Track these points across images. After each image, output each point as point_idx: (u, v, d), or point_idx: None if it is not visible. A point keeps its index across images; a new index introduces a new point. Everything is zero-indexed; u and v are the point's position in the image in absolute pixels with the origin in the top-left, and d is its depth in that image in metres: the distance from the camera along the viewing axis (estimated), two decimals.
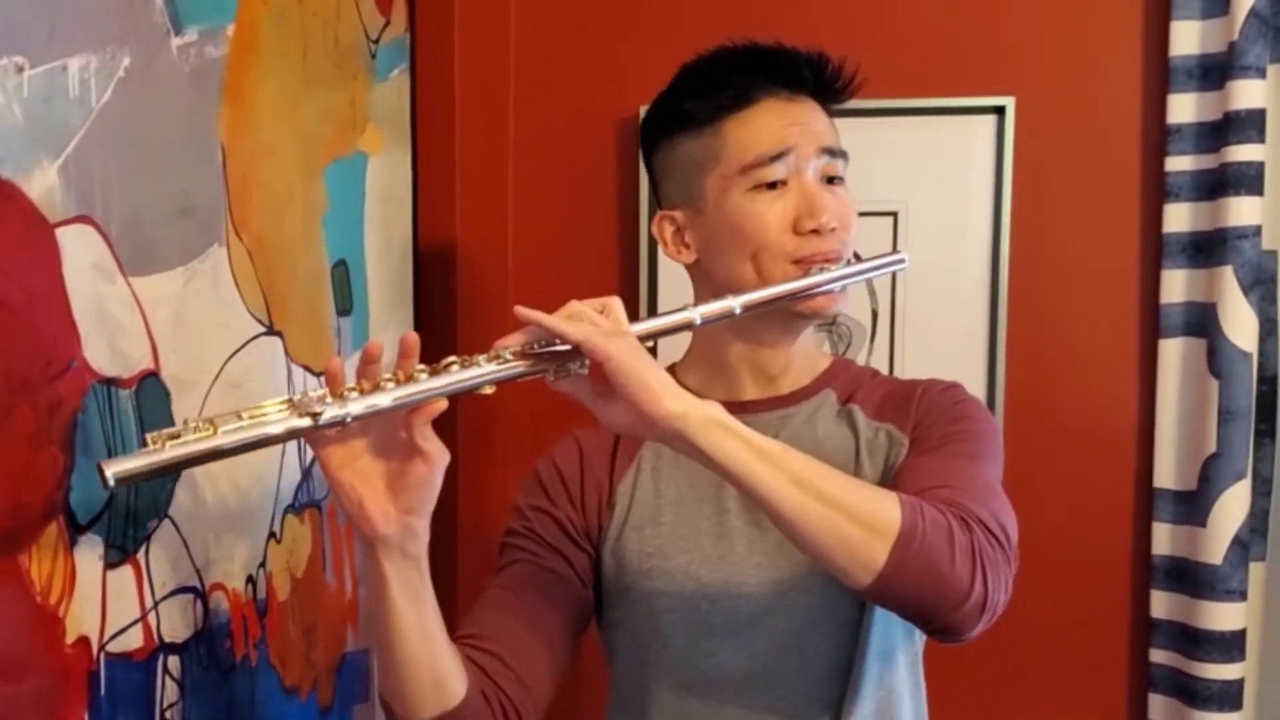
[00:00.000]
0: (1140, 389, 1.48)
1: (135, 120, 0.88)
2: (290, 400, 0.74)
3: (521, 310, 0.81)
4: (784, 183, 0.95)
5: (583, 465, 1.02)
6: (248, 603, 1.08)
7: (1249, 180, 1.36)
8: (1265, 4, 1.34)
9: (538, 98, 1.56)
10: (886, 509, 0.78)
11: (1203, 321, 1.41)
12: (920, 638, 1.01)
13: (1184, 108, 1.41)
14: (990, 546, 0.80)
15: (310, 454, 1.22)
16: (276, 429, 0.73)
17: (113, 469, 0.67)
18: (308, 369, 1.21)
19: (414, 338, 0.79)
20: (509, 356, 0.80)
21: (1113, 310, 1.48)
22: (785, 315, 0.96)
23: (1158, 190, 1.44)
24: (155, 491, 0.93)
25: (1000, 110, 1.44)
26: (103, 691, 0.86)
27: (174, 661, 0.95)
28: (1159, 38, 1.42)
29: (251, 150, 1.08)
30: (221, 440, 0.71)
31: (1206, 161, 1.40)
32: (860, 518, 0.77)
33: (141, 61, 0.89)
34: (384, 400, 0.76)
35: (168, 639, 0.94)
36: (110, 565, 0.86)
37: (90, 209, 0.83)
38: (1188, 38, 1.40)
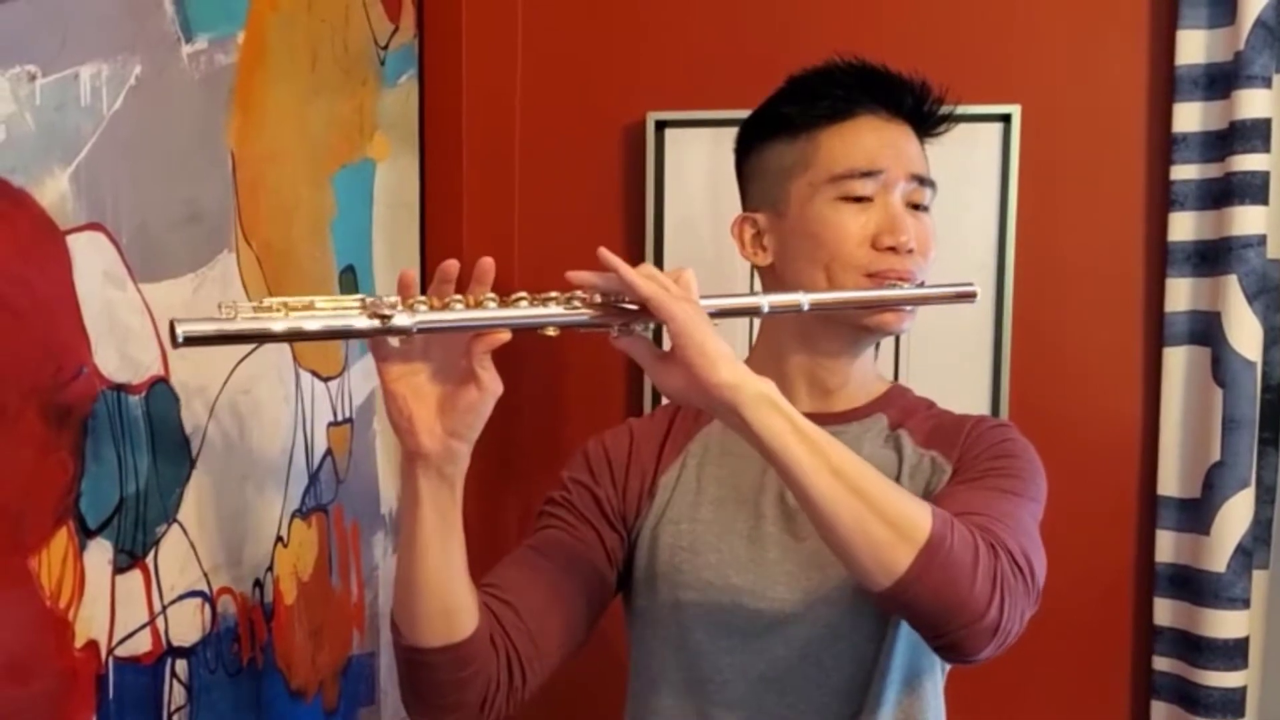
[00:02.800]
0: (1144, 397, 1.47)
1: (146, 128, 0.89)
2: (364, 299, 0.73)
3: (605, 253, 0.80)
4: (869, 199, 0.96)
5: (631, 451, 1.03)
6: (255, 606, 1.09)
7: (1254, 189, 1.35)
8: (1271, 14, 1.34)
9: (545, 104, 1.57)
10: (918, 515, 0.78)
11: (1207, 330, 1.41)
12: (944, 664, 1.01)
13: (1189, 117, 1.41)
14: (1013, 576, 0.80)
15: (318, 459, 1.23)
16: (347, 323, 0.73)
17: (184, 327, 0.67)
18: (315, 374, 1.21)
19: (489, 264, 0.78)
20: (578, 303, 0.80)
21: (1117, 318, 1.48)
22: (851, 328, 0.97)
23: (1163, 199, 1.43)
24: (164, 496, 0.93)
25: (1006, 118, 1.44)
26: (111, 695, 0.86)
27: (182, 665, 0.96)
28: (1165, 46, 1.42)
29: (261, 157, 1.08)
30: (291, 323, 0.71)
31: (1212, 170, 1.40)
32: (890, 519, 0.77)
33: (152, 70, 0.90)
34: (451, 318, 0.76)
35: (176, 643, 0.95)
36: (119, 569, 0.87)
37: (101, 216, 0.84)
38: (1194, 47, 1.40)
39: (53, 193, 0.78)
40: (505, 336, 0.78)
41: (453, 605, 0.84)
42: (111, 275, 0.85)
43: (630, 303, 0.80)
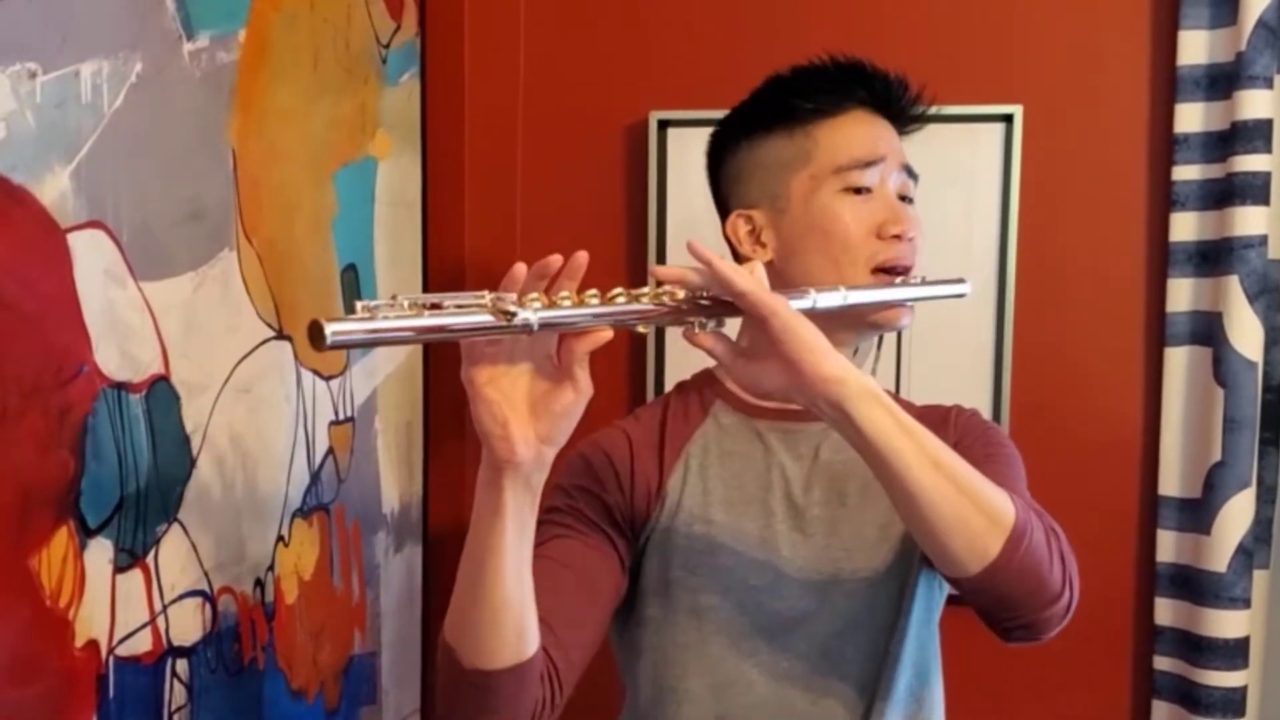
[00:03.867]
0: (1146, 397, 1.48)
1: (147, 126, 0.89)
2: (487, 296, 0.70)
3: (695, 246, 0.78)
4: (870, 190, 0.98)
5: (632, 454, 1.01)
6: (256, 606, 1.09)
7: (1255, 190, 1.35)
8: (1273, 14, 1.34)
9: (547, 103, 1.57)
10: (1005, 503, 0.80)
11: (1208, 330, 1.41)
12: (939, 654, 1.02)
13: (1191, 117, 1.41)
14: (1072, 555, 0.84)
15: (319, 458, 1.23)
16: (477, 319, 0.69)
17: (332, 328, 0.64)
18: (317, 373, 1.21)
19: (584, 256, 0.74)
20: (668, 301, 0.77)
21: (1119, 318, 1.48)
22: (858, 324, 0.98)
23: (1164, 199, 1.44)
24: (165, 495, 0.93)
25: (1008, 119, 1.45)
26: (111, 695, 0.86)
27: (182, 665, 0.96)
28: (1167, 47, 1.42)
29: (262, 155, 1.09)
30: (429, 320, 0.67)
31: (1213, 171, 1.40)
32: (984, 507, 0.79)
33: (153, 67, 0.90)
34: (567, 314, 0.72)
35: (176, 642, 0.95)
36: (120, 569, 0.87)
37: (102, 214, 0.84)
38: (1195, 47, 1.40)
39: (53, 191, 0.79)
40: (608, 335, 0.74)
41: (525, 624, 0.81)
42: (112, 273, 0.86)
43: (708, 299, 0.78)
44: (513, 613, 0.80)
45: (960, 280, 1.02)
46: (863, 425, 0.78)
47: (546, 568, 0.93)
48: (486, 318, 0.69)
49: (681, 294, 0.78)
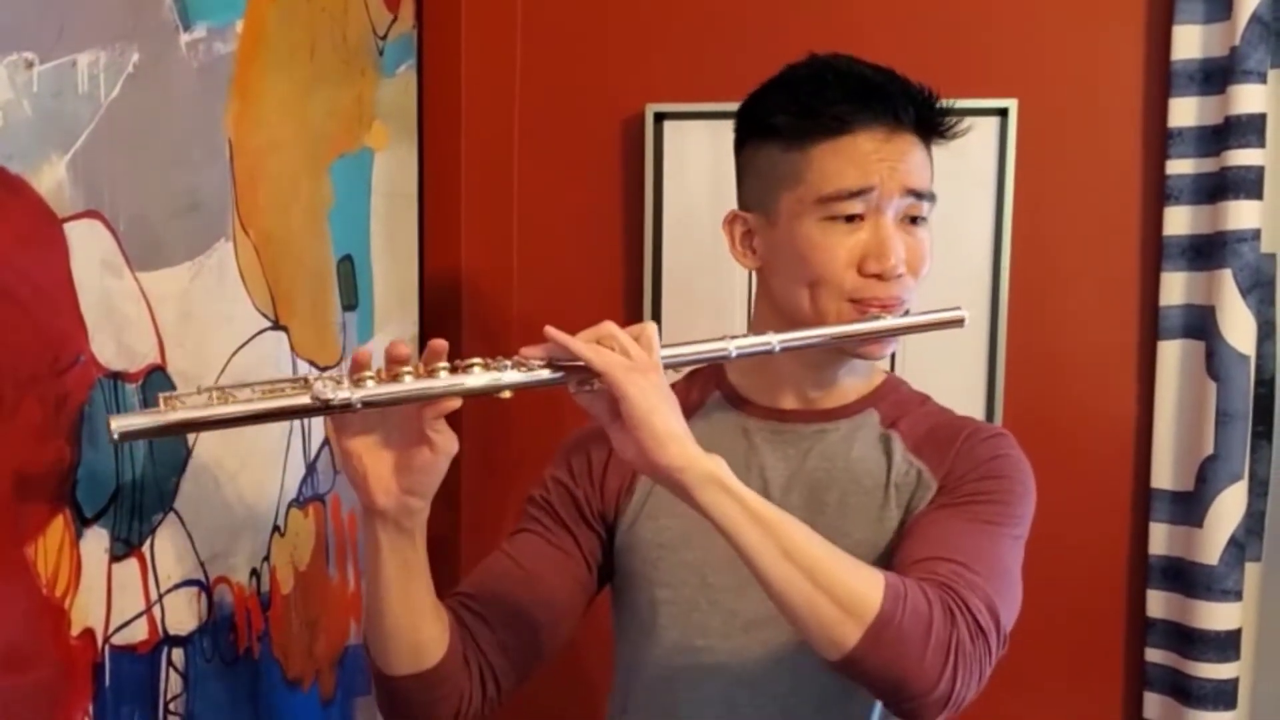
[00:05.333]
0: (1139, 390, 1.49)
1: (144, 116, 0.89)
2: (305, 379, 0.77)
3: (551, 331, 0.82)
4: (861, 217, 0.92)
5: (610, 448, 1.01)
6: (251, 596, 1.09)
7: (1249, 184, 1.36)
8: (1267, 9, 1.35)
9: (544, 95, 1.57)
10: (867, 592, 0.78)
11: (1201, 324, 1.42)
12: None
13: (1185, 111, 1.42)
14: (971, 641, 0.80)
15: (315, 449, 1.23)
16: (285, 403, 0.76)
17: (118, 423, 0.70)
18: (313, 363, 1.22)
19: (442, 344, 0.80)
20: (534, 365, 0.82)
21: (1112, 312, 1.49)
22: (833, 353, 0.96)
23: (1158, 193, 1.44)
24: (161, 485, 0.93)
25: (1003, 112, 1.45)
26: (107, 683, 0.86)
27: (178, 654, 0.96)
28: (1161, 42, 1.43)
29: (259, 146, 1.08)
30: (230, 409, 0.74)
31: (1207, 165, 1.41)
32: (839, 597, 0.77)
33: (150, 58, 0.90)
34: (397, 390, 0.78)
35: (172, 631, 0.95)
36: (116, 558, 0.87)
37: (99, 204, 0.84)
38: (1189, 42, 1.41)
39: (50, 180, 0.78)
40: (455, 404, 0.80)
41: (419, 639, 0.87)
42: (109, 263, 0.85)
43: (567, 365, 0.81)
44: (404, 633, 0.86)
45: (956, 309, 0.97)
46: (709, 511, 0.79)
47: (502, 565, 0.98)
48: (303, 399, 0.76)
49: (545, 357, 0.82)
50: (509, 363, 0.81)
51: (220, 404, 0.74)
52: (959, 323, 0.97)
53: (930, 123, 0.95)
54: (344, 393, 0.76)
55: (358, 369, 0.78)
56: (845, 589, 0.78)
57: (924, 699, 0.79)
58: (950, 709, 0.80)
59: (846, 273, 0.92)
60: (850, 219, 0.92)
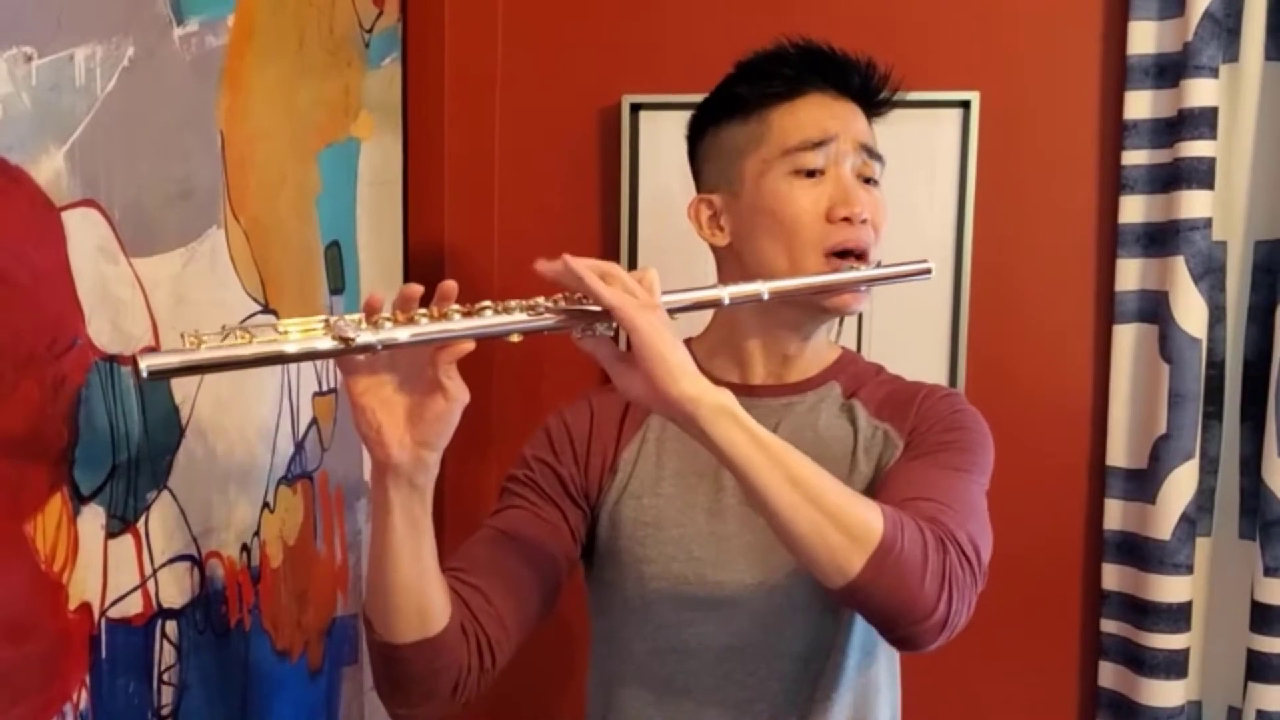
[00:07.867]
0: (1095, 372, 1.51)
1: (138, 108, 0.90)
2: (327, 321, 0.74)
3: (570, 260, 0.81)
4: (821, 172, 0.97)
5: (592, 427, 1.03)
6: (242, 570, 1.11)
7: (1201, 174, 1.39)
8: (1219, 6, 1.37)
9: (524, 86, 1.58)
10: (870, 519, 0.79)
11: (1155, 309, 1.44)
12: None
13: (1140, 104, 1.44)
14: (961, 569, 0.82)
15: (303, 428, 1.25)
16: (308, 346, 0.73)
17: (147, 362, 0.68)
18: None
19: (453, 285, 0.79)
20: (542, 308, 0.81)
21: (1070, 297, 1.51)
22: (809, 309, 0.98)
23: (1114, 183, 1.47)
24: (155, 463, 0.94)
25: (966, 104, 1.47)
26: (103, 655, 0.88)
27: (172, 626, 0.98)
28: (1118, 37, 1.45)
29: (249, 136, 1.09)
30: (253, 349, 0.72)
31: (1161, 156, 1.43)
32: (844, 524, 0.78)
33: (145, 51, 0.91)
34: (413, 333, 0.76)
35: (166, 605, 0.97)
36: (111, 534, 0.88)
37: (95, 193, 0.85)
38: (1145, 37, 1.43)
39: (48, 170, 0.79)
40: (469, 346, 0.78)
41: (426, 604, 0.85)
42: (105, 250, 0.86)
43: (593, 304, 0.81)
44: (411, 596, 0.84)
45: (923, 261, 1.00)
46: (718, 442, 0.79)
47: (491, 538, 0.97)
48: (326, 342, 0.74)
49: (552, 302, 0.81)
50: (518, 304, 0.80)
51: (244, 345, 0.71)
52: (926, 273, 1.01)
53: (869, 92, 1.02)
54: (367, 335, 0.74)
55: (372, 312, 0.76)
56: (850, 516, 0.79)
57: (922, 624, 0.80)
58: (945, 634, 0.82)
59: (817, 223, 0.96)
60: (811, 174, 0.97)
